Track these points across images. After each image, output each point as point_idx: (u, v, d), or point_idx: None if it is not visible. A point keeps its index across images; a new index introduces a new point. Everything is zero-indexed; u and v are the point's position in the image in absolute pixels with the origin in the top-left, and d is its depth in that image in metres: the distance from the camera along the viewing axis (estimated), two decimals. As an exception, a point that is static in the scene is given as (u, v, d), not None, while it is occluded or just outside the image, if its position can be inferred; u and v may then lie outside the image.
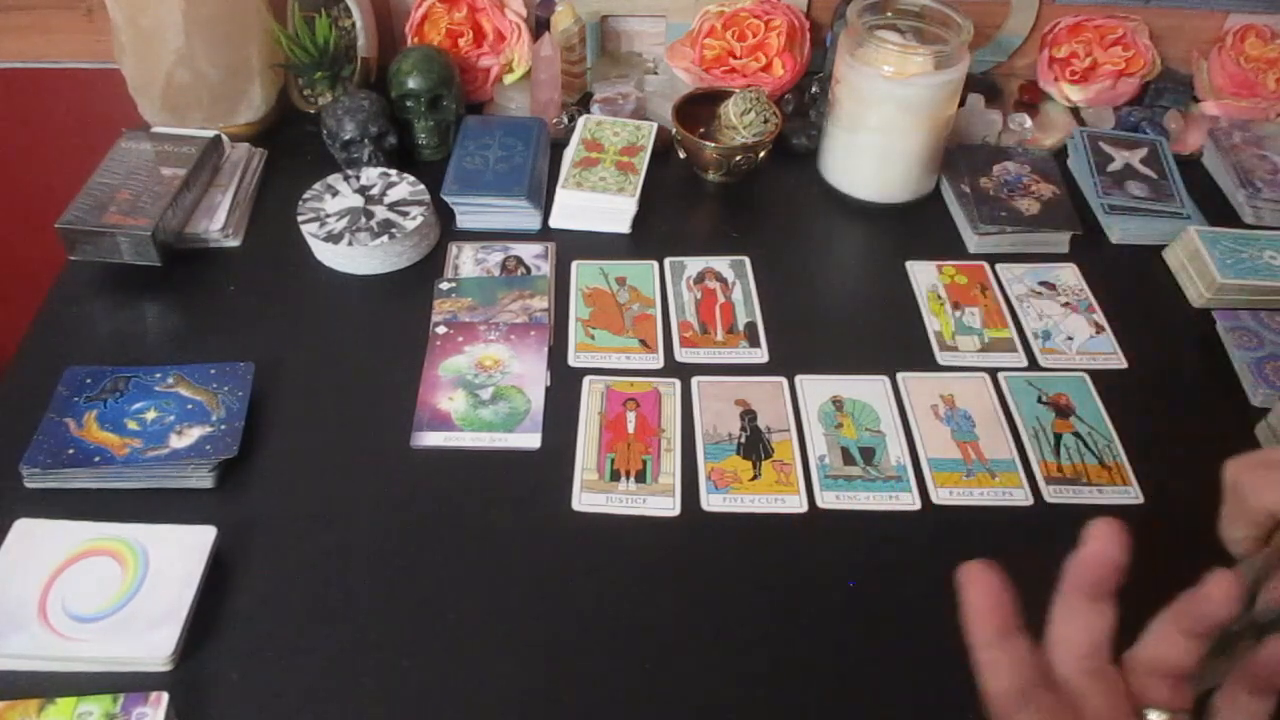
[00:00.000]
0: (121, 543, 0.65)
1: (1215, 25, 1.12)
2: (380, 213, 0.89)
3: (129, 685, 0.58)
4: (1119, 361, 0.84)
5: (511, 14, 1.06)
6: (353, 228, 0.87)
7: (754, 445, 0.75)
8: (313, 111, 1.03)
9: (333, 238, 0.86)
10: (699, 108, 1.00)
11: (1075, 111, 1.12)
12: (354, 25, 1.04)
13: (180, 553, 0.64)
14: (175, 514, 0.68)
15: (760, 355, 0.83)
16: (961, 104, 1.02)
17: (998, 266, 0.92)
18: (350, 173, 0.93)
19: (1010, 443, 0.76)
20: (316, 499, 0.71)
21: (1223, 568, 0.38)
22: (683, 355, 0.83)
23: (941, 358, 0.83)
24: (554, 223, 0.94)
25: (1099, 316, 0.88)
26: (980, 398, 0.80)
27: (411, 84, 0.97)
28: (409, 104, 0.98)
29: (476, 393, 0.78)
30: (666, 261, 0.91)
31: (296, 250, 0.89)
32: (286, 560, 0.67)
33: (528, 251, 0.91)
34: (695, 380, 0.80)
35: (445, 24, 1.05)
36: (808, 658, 0.63)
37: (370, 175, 0.93)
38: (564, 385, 0.79)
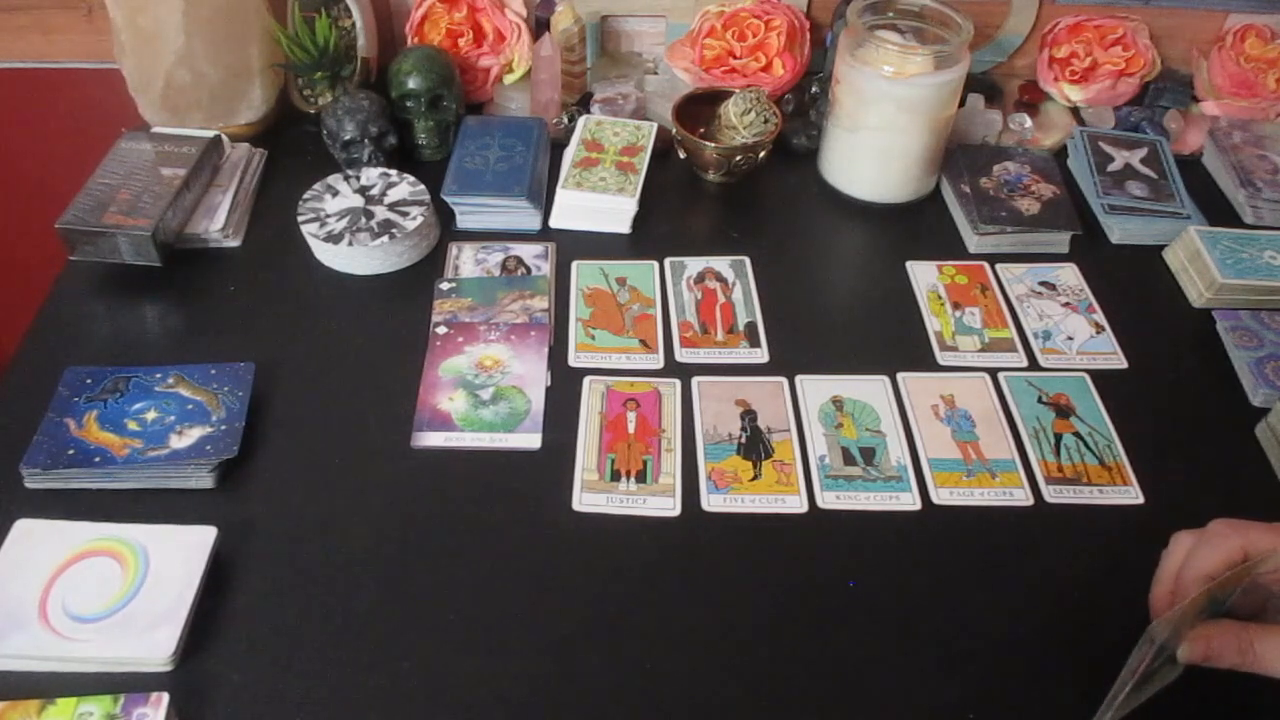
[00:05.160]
0: (121, 543, 0.65)
1: (1215, 25, 1.12)
2: (380, 213, 0.89)
3: (129, 686, 0.58)
4: (1119, 361, 0.84)
5: (511, 14, 1.06)
6: (353, 228, 0.87)
7: (754, 445, 0.75)
8: (313, 111, 1.03)
9: (333, 238, 0.86)
10: (699, 108, 1.01)
11: (1075, 111, 1.12)
12: (354, 25, 1.04)
13: (180, 553, 0.64)
14: (175, 514, 0.68)
15: (760, 355, 0.83)
16: (961, 104, 1.02)
17: (998, 266, 0.92)
18: (350, 173, 0.93)
19: (1010, 443, 0.76)
20: (317, 499, 0.71)
21: None
22: (683, 355, 0.83)
23: (942, 358, 0.83)
24: (554, 223, 0.94)
25: (1099, 316, 0.88)
26: (980, 398, 0.80)
27: (411, 84, 0.97)
28: (409, 104, 0.98)
29: (477, 393, 0.78)
30: (667, 261, 0.91)
31: (296, 250, 0.89)
32: (287, 560, 0.67)
33: (528, 251, 0.91)
34: (695, 380, 0.80)
35: (445, 24, 1.05)
36: (808, 658, 0.63)
37: (370, 175, 0.93)
38: (564, 385, 0.79)
